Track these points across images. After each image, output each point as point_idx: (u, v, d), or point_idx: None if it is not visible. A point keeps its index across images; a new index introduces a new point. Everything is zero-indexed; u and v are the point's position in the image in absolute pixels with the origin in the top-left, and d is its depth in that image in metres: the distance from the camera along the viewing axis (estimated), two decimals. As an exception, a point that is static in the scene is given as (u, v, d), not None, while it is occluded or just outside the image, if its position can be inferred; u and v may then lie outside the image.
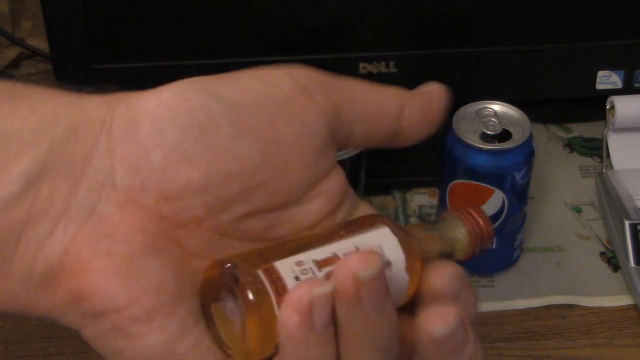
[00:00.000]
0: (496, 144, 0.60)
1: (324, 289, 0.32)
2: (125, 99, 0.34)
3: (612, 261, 0.66)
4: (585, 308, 0.63)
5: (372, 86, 0.38)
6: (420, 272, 0.36)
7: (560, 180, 0.74)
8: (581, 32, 0.71)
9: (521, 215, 0.64)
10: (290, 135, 0.35)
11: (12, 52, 0.87)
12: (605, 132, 0.72)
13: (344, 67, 0.68)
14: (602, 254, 0.67)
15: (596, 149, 0.76)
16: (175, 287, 0.34)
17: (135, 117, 0.33)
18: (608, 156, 0.72)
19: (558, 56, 0.72)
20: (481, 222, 0.38)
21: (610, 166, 0.72)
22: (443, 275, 0.35)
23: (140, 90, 0.35)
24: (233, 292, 0.33)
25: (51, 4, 0.66)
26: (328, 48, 0.69)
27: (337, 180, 0.37)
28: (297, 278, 0.33)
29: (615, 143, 0.72)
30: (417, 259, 0.36)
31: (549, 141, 0.78)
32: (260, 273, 0.33)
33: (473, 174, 0.60)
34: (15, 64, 0.87)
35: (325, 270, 0.34)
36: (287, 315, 0.32)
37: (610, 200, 0.68)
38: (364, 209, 0.39)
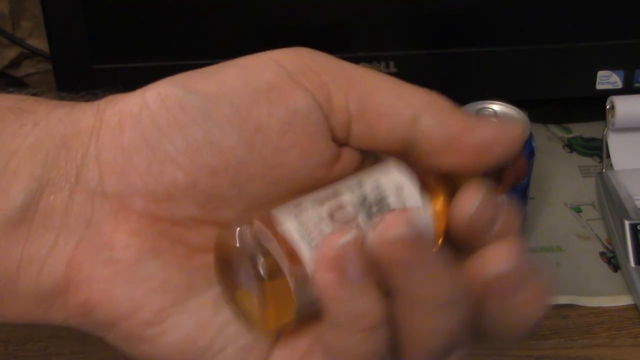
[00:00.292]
0: (496, 144, 0.60)
1: (346, 238, 0.30)
2: (113, 103, 0.34)
3: (612, 261, 0.66)
4: (585, 308, 0.63)
5: (388, 81, 0.34)
6: (445, 208, 0.34)
7: (560, 180, 0.74)
8: (581, 32, 0.71)
9: (521, 215, 0.64)
10: (276, 122, 0.33)
11: (12, 52, 0.87)
12: (605, 132, 0.72)
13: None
14: (602, 254, 0.67)
15: (596, 149, 0.76)
16: (182, 285, 0.33)
17: (121, 121, 0.33)
18: (608, 156, 0.72)
19: (558, 56, 0.72)
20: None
21: (610, 166, 0.72)
22: (471, 201, 0.33)
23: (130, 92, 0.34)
24: (246, 259, 0.32)
25: (51, 4, 0.66)
26: (328, 48, 0.69)
27: (349, 165, 0.35)
28: (309, 241, 0.32)
29: (615, 143, 0.72)
30: (438, 194, 0.34)
31: (549, 141, 0.78)
32: (271, 234, 0.32)
33: (473, 174, 0.60)
34: (15, 64, 0.88)
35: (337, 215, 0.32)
36: (319, 276, 0.30)
37: (610, 200, 0.67)
38: None
